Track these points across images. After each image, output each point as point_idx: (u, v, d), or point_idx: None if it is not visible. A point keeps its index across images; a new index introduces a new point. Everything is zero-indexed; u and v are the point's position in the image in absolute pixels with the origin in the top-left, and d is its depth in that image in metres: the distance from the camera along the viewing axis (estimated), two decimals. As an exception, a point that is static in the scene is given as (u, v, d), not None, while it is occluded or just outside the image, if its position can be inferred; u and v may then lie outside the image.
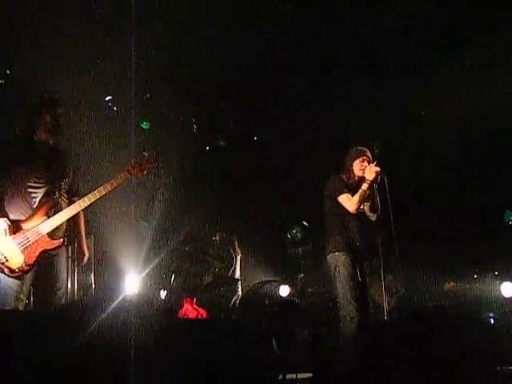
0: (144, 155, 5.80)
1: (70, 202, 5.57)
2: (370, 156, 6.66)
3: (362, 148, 6.76)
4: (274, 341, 4.90)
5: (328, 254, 6.56)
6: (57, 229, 5.40)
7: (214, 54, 9.22)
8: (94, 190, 5.49)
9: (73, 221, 5.61)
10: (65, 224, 5.53)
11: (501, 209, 10.66)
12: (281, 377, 6.47)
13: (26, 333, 3.69)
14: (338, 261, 6.43)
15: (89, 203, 5.44)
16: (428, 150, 10.44)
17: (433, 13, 8.63)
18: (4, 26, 8.20)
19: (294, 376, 6.95)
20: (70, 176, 5.70)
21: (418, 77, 9.78)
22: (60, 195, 5.52)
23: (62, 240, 5.44)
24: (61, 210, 5.44)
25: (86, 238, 6.39)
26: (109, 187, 5.47)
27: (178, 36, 8.91)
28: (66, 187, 5.64)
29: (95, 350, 3.81)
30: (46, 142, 5.52)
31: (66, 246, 8.06)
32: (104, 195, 5.48)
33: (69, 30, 8.53)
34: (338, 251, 6.47)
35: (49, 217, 5.32)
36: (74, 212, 5.43)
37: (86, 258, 5.78)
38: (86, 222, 5.98)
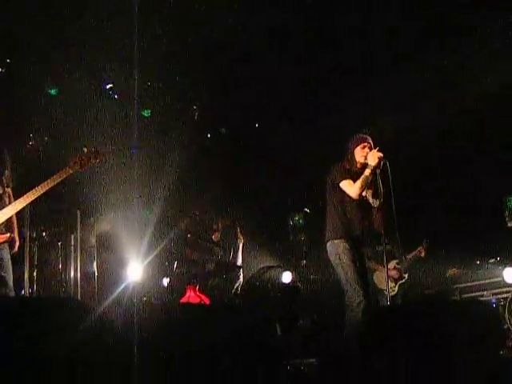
0: (84, 151, 5.76)
1: (6, 193, 5.61)
2: (370, 142, 6.65)
3: (362, 135, 6.75)
4: (277, 327, 4.91)
5: (327, 241, 6.54)
6: (2, 223, 5.42)
7: (216, 40, 9.20)
8: (38, 185, 5.50)
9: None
10: (13, 217, 5.60)
11: (503, 195, 10.65)
12: (284, 363, 6.49)
13: (28, 318, 3.70)
14: (338, 248, 6.40)
15: (33, 198, 5.45)
16: (429, 136, 10.45)
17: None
18: (4, 14, 8.19)
19: (298, 362, 6.96)
20: (7, 169, 5.71)
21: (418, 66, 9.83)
22: (3, 190, 5.56)
23: (9, 234, 5.44)
24: (4, 204, 5.49)
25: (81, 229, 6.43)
26: (51, 183, 5.50)
27: (179, 23, 8.89)
28: (4, 180, 5.65)
29: (99, 337, 3.82)
30: None
31: (68, 235, 8.17)
32: (48, 190, 5.50)
33: (69, 17, 8.52)
34: (337, 238, 6.45)
35: None
36: (20, 207, 5.46)
37: (16, 246, 5.72)
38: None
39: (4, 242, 5.43)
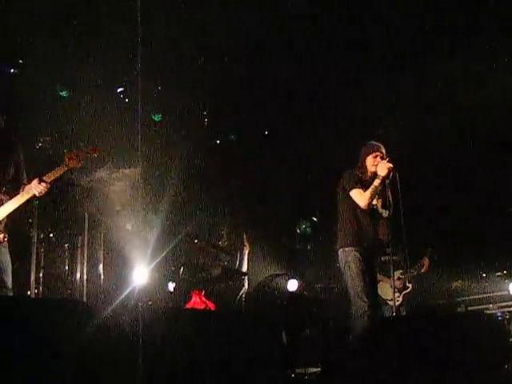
0: (81, 146, 5.80)
1: (13, 195, 5.56)
2: (383, 152, 6.63)
3: (375, 143, 6.73)
4: (283, 335, 4.90)
5: (339, 248, 6.53)
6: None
7: (227, 46, 9.22)
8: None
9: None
10: (5, 218, 5.53)
11: (509, 207, 10.63)
12: (289, 371, 6.48)
13: (36, 319, 3.70)
14: (348, 256, 6.40)
15: (28, 196, 5.49)
16: (436, 150, 10.43)
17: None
18: (16, 16, 8.22)
19: (303, 370, 6.95)
20: (11, 168, 5.66)
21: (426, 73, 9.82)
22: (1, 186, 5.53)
23: (2, 236, 5.42)
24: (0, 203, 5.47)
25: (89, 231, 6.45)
26: (47, 179, 5.51)
27: (190, 28, 8.92)
28: (8, 178, 5.62)
29: (106, 339, 3.82)
30: None
31: (75, 237, 8.18)
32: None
33: (80, 21, 8.56)
34: (348, 246, 6.45)
35: None
36: (11, 209, 5.46)
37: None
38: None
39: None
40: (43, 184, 5.46)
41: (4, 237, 5.45)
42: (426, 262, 9.34)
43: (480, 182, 10.34)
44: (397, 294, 9.04)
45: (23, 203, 5.53)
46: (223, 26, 8.91)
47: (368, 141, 6.83)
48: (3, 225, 5.49)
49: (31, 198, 5.54)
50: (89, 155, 5.75)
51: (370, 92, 10.15)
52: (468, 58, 9.58)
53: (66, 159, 5.61)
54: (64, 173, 5.67)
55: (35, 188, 5.45)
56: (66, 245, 8.13)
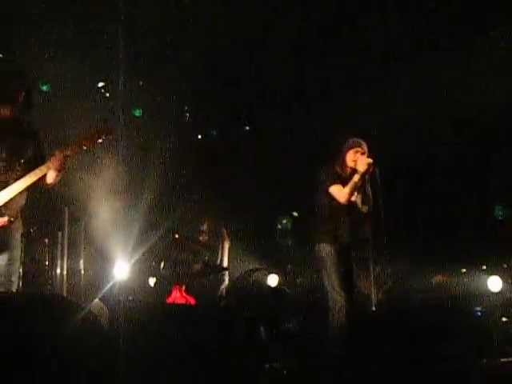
0: (95, 127, 5.40)
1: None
2: (364, 148, 6.64)
3: (356, 139, 6.73)
4: (262, 329, 4.92)
5: (315, 243, 6.55)
6: (5, 206, 5.08)
7: (208, 41, 9.21)
8: (43, 164, 5.23)
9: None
10: (19, 200, 5.27)
11: (490, 203, 10.69)
12: (267, 365, 6.50)
13: (16, 313, 3.69)
14: (323, 251, 6.42)
15: (37, 177, 5.16)
16: (418, 145, 10.47)
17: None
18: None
19: (281, 364, 6.96)
20: (28, 151, 5.34)
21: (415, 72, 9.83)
22: (12, 171, 5.20)
23: (7, 218, 5.07)
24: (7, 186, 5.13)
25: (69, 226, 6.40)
26: (59, 155, 5.20)
27: (171, 24, 8.91)
28: (22, 162, 5.28)
29: (86, 333, 3.82)
30: (5, 115, 5.22)
31: (56, 232, 8.14)
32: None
33: (61, 16, 8.52)
34: (323, 242, 6.47)
35: None
36: (23, 187, 5.13)
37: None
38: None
39: (2, 226, 5.08)
40: (62, 159, 5.17)
41: (8, 220, 5.12)
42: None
43: (463, 177, 10.40)
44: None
45: (32, 184, 5.20)
46: (205, 21, 8.91)
47: (349, 136, 6.85)
48: (9, 209, 5.17)
49: (41, 179, 5.22)
50: (104, 136, 5.38)
51: (351, 88, 10.20)
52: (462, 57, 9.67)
53: (81, 139, 5.29)
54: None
55: (53, 163, 5.15)
56: (46, 240, 8.09)
